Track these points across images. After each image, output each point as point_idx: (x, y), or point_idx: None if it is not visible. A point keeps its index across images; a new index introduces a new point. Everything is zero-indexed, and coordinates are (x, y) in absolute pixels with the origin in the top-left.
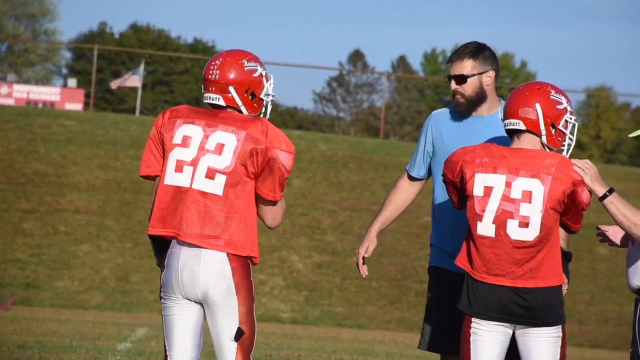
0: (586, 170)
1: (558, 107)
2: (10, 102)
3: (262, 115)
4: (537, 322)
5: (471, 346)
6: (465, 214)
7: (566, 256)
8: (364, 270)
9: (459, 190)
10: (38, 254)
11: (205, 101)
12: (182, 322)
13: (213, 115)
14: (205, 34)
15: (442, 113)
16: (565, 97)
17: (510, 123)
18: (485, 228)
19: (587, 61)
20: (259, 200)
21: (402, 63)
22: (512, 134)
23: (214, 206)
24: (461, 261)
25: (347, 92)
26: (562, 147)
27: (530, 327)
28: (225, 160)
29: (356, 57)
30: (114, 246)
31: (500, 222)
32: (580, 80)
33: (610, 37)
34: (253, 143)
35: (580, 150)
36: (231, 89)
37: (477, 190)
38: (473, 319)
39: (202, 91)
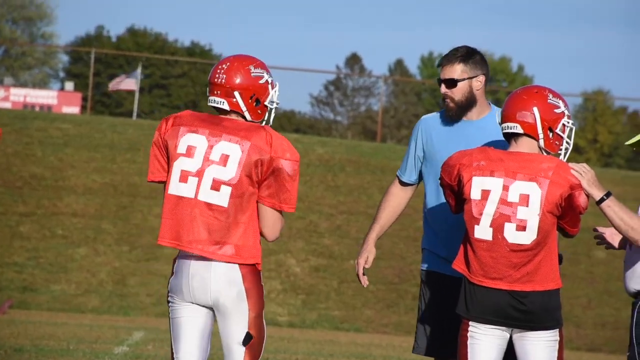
0: (584, 174)
1: (556, 110)
2: (7, 105)
3: (264, 122)
4: (535, 326)
5: (468, 350)
6: (459, 217)
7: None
8: (365, 280)
9: (456, 194)
10: (35, 257)
11: (210, 104)
12: (190, 325)
13: (216, 123)
14: (203, 37)
15: (432, 118)
16: (563, 101)
17: (507, 127)
18: (482, 231)
19: (584, 65)
20: (260, 208)
21: (399, 67)
22: (510, 137)
23: (219, 217)
24: (458, 265)
25: (345, 95)
26: (559, 151)
27: (527, 331)
28: (230, 172)
29: (353, 60)
30: (111, 249)
31: (497, 226)
32: (577, 84)
33: (607, 41)
34: (258, 154)
35: (577, 153)
36: (236, 93)
37: (475, 194)
38: (470, 323)
39: (207, 94)
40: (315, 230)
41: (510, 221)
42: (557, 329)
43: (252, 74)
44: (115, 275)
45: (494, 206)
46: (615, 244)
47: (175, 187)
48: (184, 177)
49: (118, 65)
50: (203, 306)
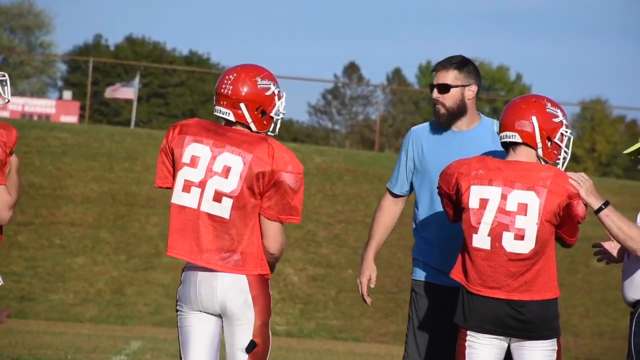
0: (582, 183)
1: (554, 120)
2: (5, 114)
3: (270, 131)
4: (533, 335)
5: (466, 359)
6: (450, 227)
7: None
8: (369, 299)
9: (455, 203)
10: (33, 266)
11: (216, 114)
12: (199, 333)
13: (221, 134)
14: (201, 46)
15: (422, 128)
16: (561, 110)
17: (506, 136)
18: (480, 240)
19: (582, 74)
20: (261, 220)
21: (397, 75)
22: (508, 146)
23: (222, 228)
24: (456, 274)
25: (342, 104)
26: (557, 160)
27: (525, 340)
28: (231, 184)
29: (351, 69)
30: (108, 259)
31: (495, 235)
32: (575, 93)
33: (605, 50)
34: (259, 166)
35: (575, 163)
36: (242, 105)
37: (473, 203)
38: (468, 332)
39: (214, 102)
40: (313, 239)
41: (508, 230)
42: (555, 339)
43: (258, 86)
44: (113, 284)
45: (492, 215)
46: (614, 253)
47: (179, 197)
48: (187, 187)
49: (116, 74)
50: (211, 314)
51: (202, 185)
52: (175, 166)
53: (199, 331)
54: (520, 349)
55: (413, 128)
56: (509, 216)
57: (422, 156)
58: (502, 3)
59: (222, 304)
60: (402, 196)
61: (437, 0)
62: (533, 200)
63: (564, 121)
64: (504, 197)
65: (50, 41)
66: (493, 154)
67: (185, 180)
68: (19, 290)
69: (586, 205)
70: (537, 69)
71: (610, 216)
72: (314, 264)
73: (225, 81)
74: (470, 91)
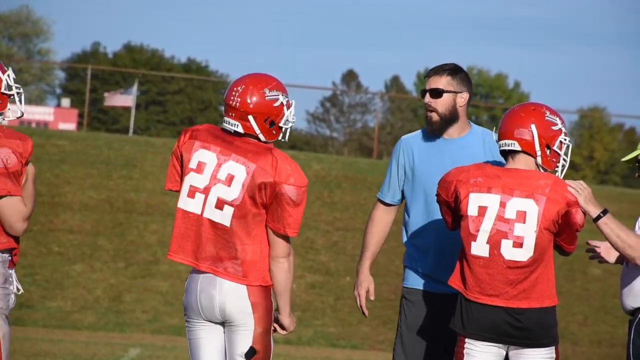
0: (580, 191)
1: (553, 128)
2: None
3: (279, 138)
4: (531, 343)
5: None
6: (442, 235)
7: None
8: (367, 311)
9: (453, 210)
10: (31, 273)
11: (224, 125)
12: (208, 346)
13: (229, 142)
14: (199, 54)
15: (412, 137)
16: (560, 118)
17: (505, 144)
18: (479, 248)
19: (581, 82)
20: (267, 231)
21: (395, 83)
22: (507, 154)
23: (223, 235)
24: (454, 281)
25: (341, 112)
26: (556, 168)
27: (523, 348)
28: (233, 193)
29: (350, 77)
30: (107, 266)
31: (494, 242)
32: (573, 101)
33: (603, 58)
34: (262, 177)
35: (573, 170)
36: (250, 117)
37: (472, 210)
38: (466, 340)
39: (223, 113)
40: (312, 246)
41: (507, 238)
42: (554, 346)
43: (266, 98)
44: (111, 291)
45: (490, 223)
46: (610, 258)
47: (184, 202)
48: (192, 192)
49: (114, 81)
50: (217, 323)
51: (206, 191)
52: (183, 170)
53: (208, 345)
54: (519, 356)
55: (403, 137)
56: (507, 224)
57: (413, 164)
58: (501, 11)
59: (221, 309)
60: (394, 205)
61: (436, 8)
62: (532, 208)
63: (563, 129)
64: (502, 204)
65: (49, 48)
66: (471, 162)
67: (190, 185)
68: (17, 297)
69: (585, 213)
70: (535, 77)
71: (608, 224)
72: (312, 271)
73: (234, 93)
74: (462, 98)
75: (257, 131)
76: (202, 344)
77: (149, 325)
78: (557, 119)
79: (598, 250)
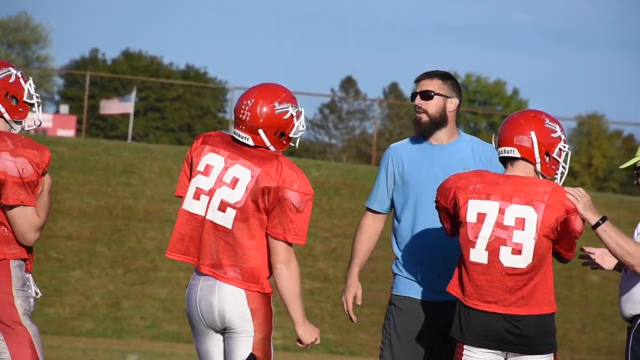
0: (579, 198)
1: (552, 135)
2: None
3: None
4: (529, 350)
5: None
6: (433, 242)
7: None
8: (355, 317)
9: (452, 217)
10: None
11: (234, 136)
12: (213, 354)
13: (238, 147)
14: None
15: (401, 145)
16: (559, 125)
17: (504, 151)
18: (477, 255)
19: (579, 89)
20: (268, 238)
21: (393, 90)
22: (506, 161)
23: (224, 238)
24: (453, 288)
25: (339, 118)
26: (555, 175)
27: (522, 355)
28: (237, 195)
29: (348, 83)
30: (105, 272)
31: (493, 249)
32: (572, 108)
33: (602, 65)
34: (265, 181)
35: (572, 177)
36: (260, 131)
37: (470, 217)
38: (465, 346)
39: (233, 124)
40: (310, 253)
41: (505, 245)
42: (552, 353)
43: (276, 111)
44: (109, 298)
45: (489, 229)
46: (605, 264)
47: (189, 204)
48: (197, 194)
49: (113, 88)
50: (218, 332)
51: (210, 193)
52: (191, 174)
53: (212, 353)
54: None
55: (392, 145)
56: (506, 231)
57: (402, 171)
58: (499, 18)
59: (221, 315)
60: (383, 214)
61: (434, 14)
62: (531, 215)
63: (562, 136)
64: (501, 211)
65: (47, 55)
66: (462, 168)
67: (197, 187)
68: None
69: (584, 220)
70: (534, 84)
71: (607, 231)
72: (311, 277)
73: (244, 107)
74: (452, 104)
75: (268, 143)
76: (209, 354)
77: (148, 331)
78: (557, 126)
79: (593, 256)
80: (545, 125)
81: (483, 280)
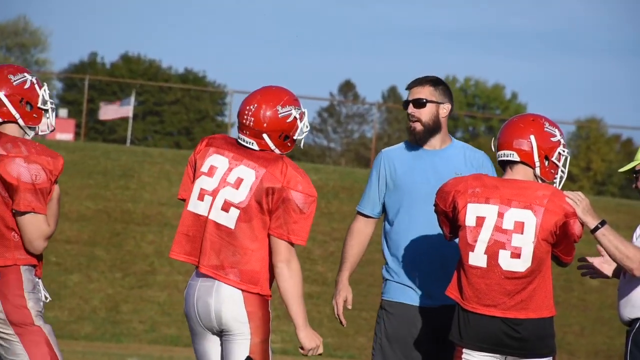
0: (578, 202)
1: (552, 139)
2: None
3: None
4: (528, 354)
5: None
6: (424, 247)
7: None
8: (345, 321)
9: (451, 221)
10: None
11: (239, 141)
12: (210, 356)
13: (243, 149)
14: (197, 64)
15: (393, 150)
16: (559, 129)
17: (504, 154)
18: (476, 258)
19: (578, 93)
20: (270, 239)
21: (392, 94)
22: (505, 165)
23: (226, 239)
24: (452, 291)
25: (338, 122)
26: (554, 179)
27: (521, 358)
28: (240, 195)
29: (347, 87)
30: (104, 276)
31: (492, 253)
32: (570, 112)
33: (601, 69)
34: (270, 182)
35: (570, 181)
36: (265, 135)
37: (469, 221)
38: (464, 350)
39: (237, 129)
40: (309, 257)
41: (504, 248)
42: (551, 357)
43: (280, 115)
44: (108, 302)
45: (488, 233)
46: (605, 272)
47: (194, 205)
48: (201, 195)
49: (112, 92)
50: (215, 334)
51: (214, 194)
52: (195, 176)
53: (209, 355)
54: None
55: (383, 150)
56: (505, 234)
57: (395, 175)
58: (498, 22)
59: (217, 316)
60: (373, 218)
61: (433, 19)
62: (530, 219)
63: (562, 140)
64: (500, 215)
65: (46, 59)
66: (454, 173)
67: (201, 188)
68: None
69: (583, 224)
70: (532, 88)
71: (606, 235)
72: (310, 281)
73: (247, 112)
74: (444, 110)
75: (272, 147)
76: (206, 356)
77: (146, 335)
78: (556, 130)
79: (591, 260)
80: (545, 129)
81: (482, 284)
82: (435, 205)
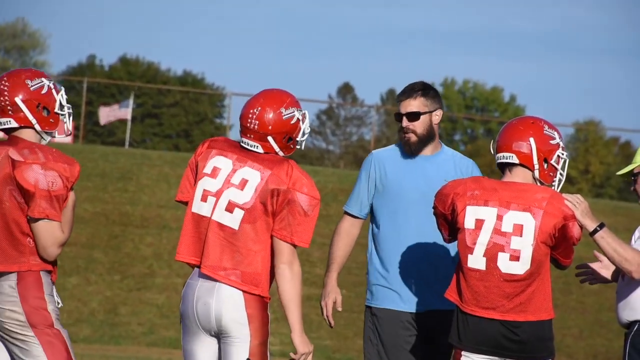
0: (577, 204)
1: (551, 142)
2: None
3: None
4: (527, 356)
5: None
6: (414, 251)
7: None
8: (333, 322)
9: (450, 223)
10: None
11: (243, 145)
12: (197, 355)
13: (246, 151)
14: (195, 66)
15: (384, 152)
16: (558, 132)
17: (503, 156)
18: (475, 261)
19: (576, 95)
20: (274, 242)
21: (391, 96)
22: (504, 167)
23: (229, 239)
24: (451, 294)
25: (337, 125)
26: (553, 182)
27: None
28: (245, 196)
29: (346, 90)
30: (102, 279)
31: (491, 255)
32: (569, 114)
33: (599, 72)
34: (275, 183)
35: (569, 184)
36: (270, 138)
37: (469, 223)
38: (463, 352)
39: (240, 133)
40: (307, 259)
41: (503, 251)
42: None
43: (283, 117)
44: (106, 304)
45: (487, 236)
46: (604, 275)
47: (197, 206)
48: (204, 196)
49: (110, 94)
50: (212, 335)
51: (217, 194)
52: (196, 180)
53: (197, 355)
54: None
55: (374, 151)
56: (504, 237)
57: (385, 178)
58: (496, 24)
59: (217, 318)
60: (361, 219)
61: (431, 21)
62: (529, 222)
63: (561, 143)
64: (499, 217)
65: (45, 61)
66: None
67: (204, 190)
68: None
69: (581, 226)
70: (531, 90)
71: (605, 238)
72: (308, 284)
73: (251, 115)
74: (437, 116)
75: (277, 149)
76: (194, 356)
77: (145, 337)
78: (555, 133)
79: (594, 269)
80: (544, 132)
81: (481, 287)
82: (434, 207)
